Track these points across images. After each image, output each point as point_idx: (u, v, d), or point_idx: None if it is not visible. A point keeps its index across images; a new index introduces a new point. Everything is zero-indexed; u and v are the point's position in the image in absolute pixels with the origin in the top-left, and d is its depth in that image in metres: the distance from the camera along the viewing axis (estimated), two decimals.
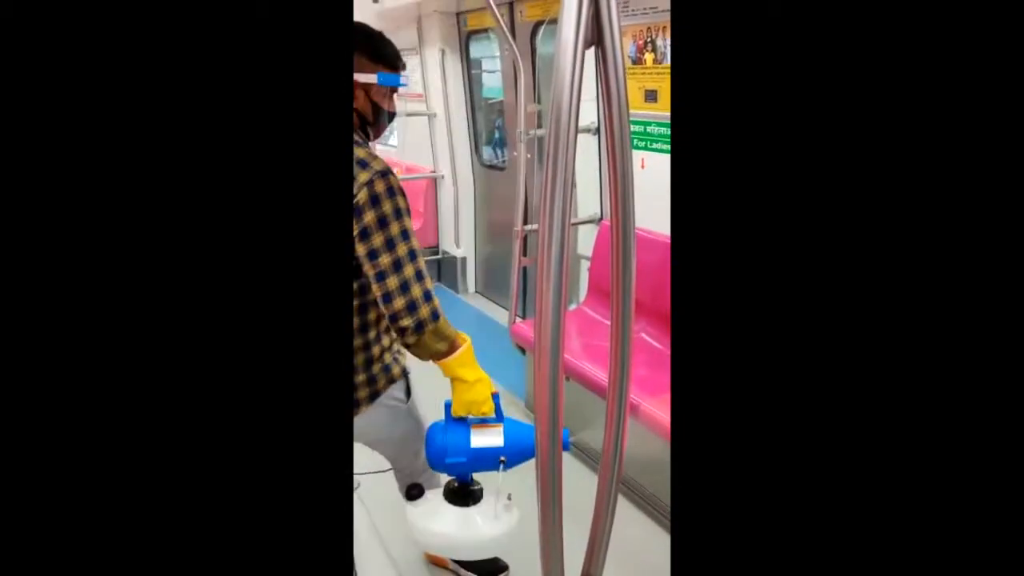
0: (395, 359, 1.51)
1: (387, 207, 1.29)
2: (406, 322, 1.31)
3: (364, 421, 1.46)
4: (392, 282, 1.30)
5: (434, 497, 1.46)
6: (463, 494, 1.45)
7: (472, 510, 1.44)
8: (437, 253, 4.70)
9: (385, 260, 1.29)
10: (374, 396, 1.46)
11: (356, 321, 1.39)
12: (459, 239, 4.58)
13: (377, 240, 1.29)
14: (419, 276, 1.33)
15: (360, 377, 1.42)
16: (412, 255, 1.32)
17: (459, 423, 1.44)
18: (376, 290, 1.31)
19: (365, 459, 1.59)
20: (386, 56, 1.43)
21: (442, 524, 1.42)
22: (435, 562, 1.85)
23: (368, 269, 1.30)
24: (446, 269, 4.68)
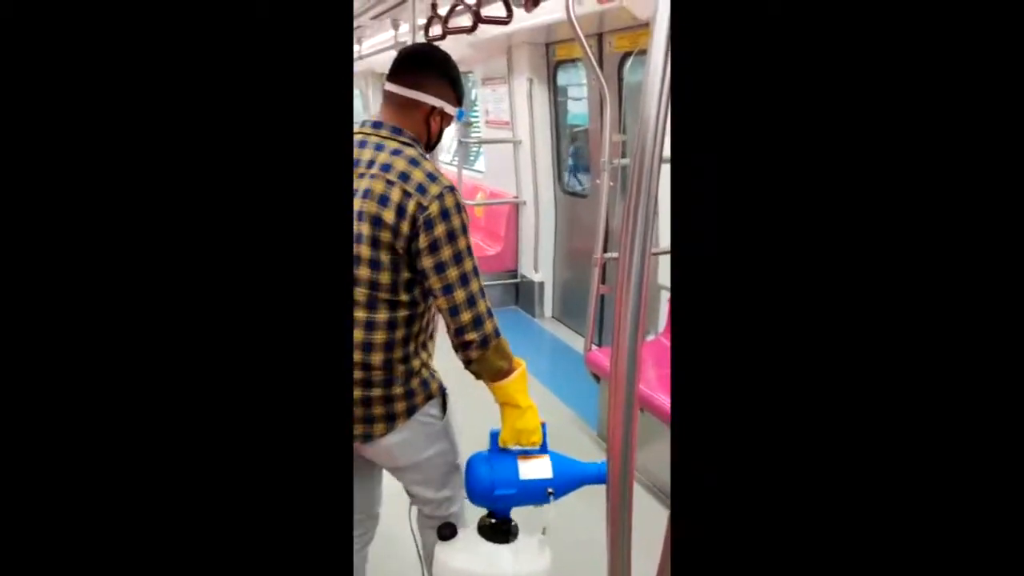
0: (432, 375, 1.47)
1: (456, 221, 1.31)
2: (472, 336, 1.32)
3: (398, 438, 1.41)
4: (460, 295, 1.31)
5: (467, 535, 1.38)
6: (503, 531, 1.36)
7: (509, 547, 1.36)
8: (516, 277, 4.74)
9: (453, 273, 1.31)
10: (412, 411, 1.41)
11: (400, 333, 1.37)
12: (538, 264, 4.61)
13: (446, 253, 1.31)
14: (483, 292, 1.35)
15: (398, 390, 1.39)
16: (476, 271, 1.35)
17: (504, 453, 1.38)
18: (443, 303, 1.32)
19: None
20: (462, 95, 1.51)
21: (479, 564, 1.33)
22: None
23: (435, 282, 1.32)
24: (524, 293, 4.72)
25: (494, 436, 1.39)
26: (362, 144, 1.38)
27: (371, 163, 1.34)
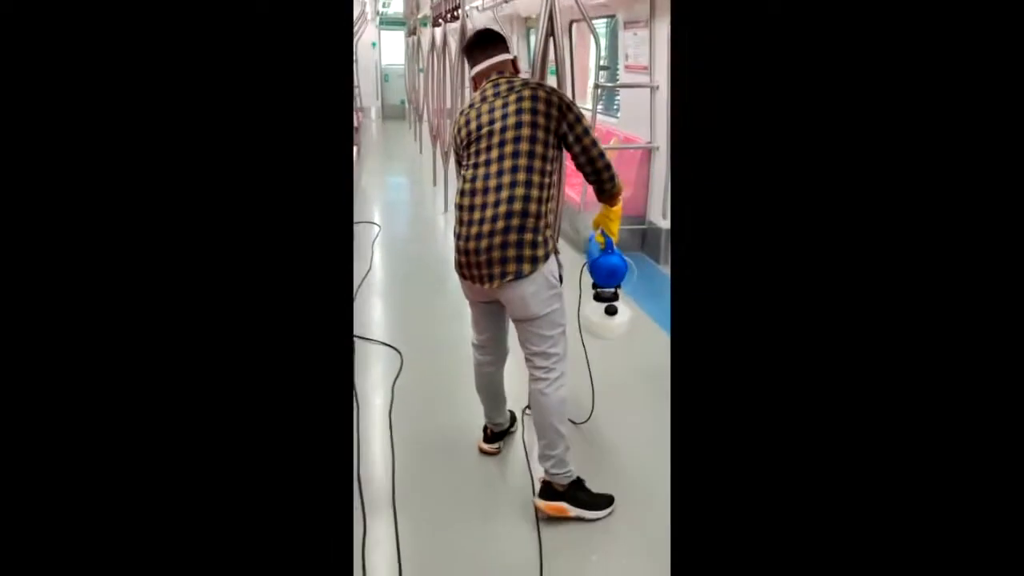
0: (552, 236, 1.96)
1: (576, 108, 1.93)
2: (606, 175, 1.97)
3: (532, 288, 1.87)
4: (595, 151, 1.94)
5: (598, 308, 2.17)
6: (616, 296, 2.17)
7: (622, 305, 2.19)
8: (643, 223, 4.73)
9: (588, 140, 1.92)
10: (546, 257, 1.88)
11: (545, 193, 1.89)
12: (666, 211, 4.65)
13: (579, 128, 1.91)
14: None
15: (540, 238, 1.87)
16: (597, 140, 1.96)
17: (612, 250, 2.13)
18: (583, 158, 1.94)
19: None
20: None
21: (624, 316, 2.17)
22: (555, 512, 1.97)
23: (575, 145, 1.92)
24: (651, 240, 4.70)
25: (609, 241, 2.12)
26: (497, 86, 1.96)
27: (511, 87, 1.93)
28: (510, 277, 1.84)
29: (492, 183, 1.86)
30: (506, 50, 2.05)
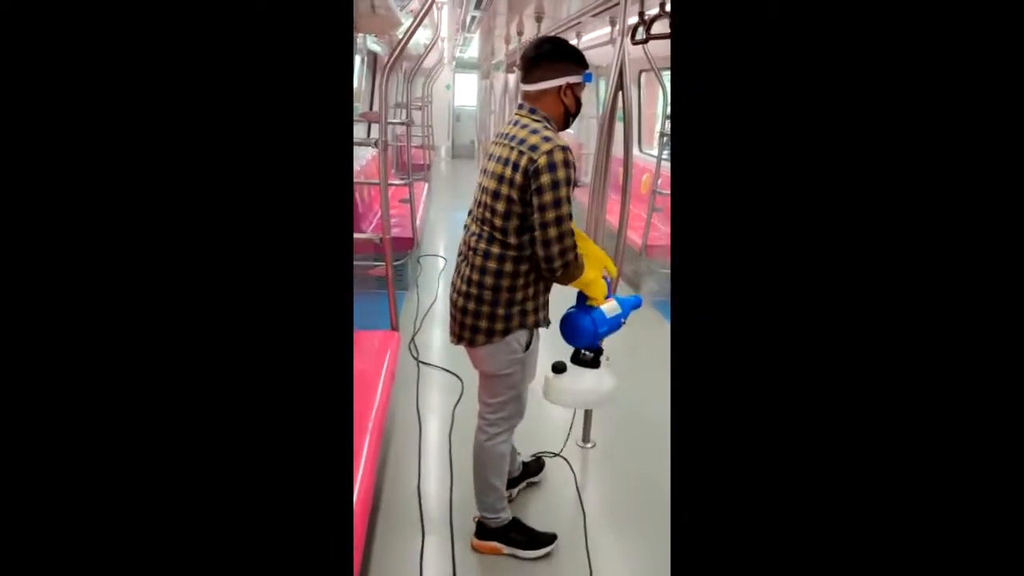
0: (534, 310, 1.83)
1: (560, 173, 1.62)
2: (556, 264, 1.68)
3: (491, 349, 1.82)
4: (552, 232, 1.64)
5: (572, 369, 1.96)
6: (597, 360, 1.96)
7: (602, 371, 1.97)
8: None
9: (550, 215, 1.63)
10: (506, 332, 1.79)
11: (508, 267, 1.73)
12: None
13: (547, 197, 1.62)
14: (571, 234, 1.68)
15: (500, 311, 1.77)
16: (570, 216, 1.67)
17: (587, 308, 1.91)
18: (538, 236, 1.66)
19: None
20: (581, 58, 1.79)
21: (590, 381, 1.95)
22: (489, 551, 2.06)
23: (536, 219, 1.65)
24: None
25: (581, 297, 1.93)
26: (515, 123, 1.74)
27: (512, 137, 1.69)
28: (464, 342, 1.84)
29: (471, 242, 1.79)
30: (563, 72, 1.74)
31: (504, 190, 1.67)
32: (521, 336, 1.82)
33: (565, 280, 1.77)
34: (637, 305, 1.99)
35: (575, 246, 1.71)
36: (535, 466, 2.45)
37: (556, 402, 1.99)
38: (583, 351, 1.96)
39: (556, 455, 2.59)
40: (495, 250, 1.73)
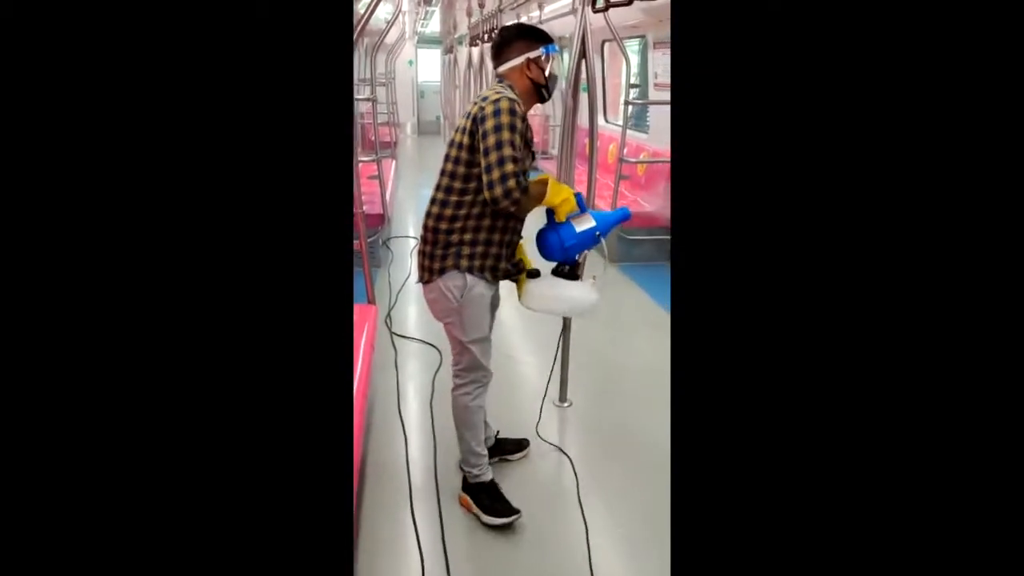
0: (469, 256, 1.90)
1: (504, 118, 1.74)
2: (497, 191, 1.74)
3: (432, 295, 1.96)
4: (492, 157, 1.74)
5: (547, 277, 2.06)
6: (574, 273, 2.07)
7: (578, 284, 2.07)
8: (669, 234, 4.85)
9: (493, 156, 1.74)
10: (442, 271, 1.91)
11: (448, 211, 1.87)
12: None
13: (491, 139, 1.74)
14: (512, 162, 1.75)
15: (438, 252, 1.90)
16: (513, 159, 1.75)
17: (559, 224, 1.97)
18: (482, 169, 1.76)
19: None
20: (540, 35, 1.95)
21: (563, 290, 2.05)
22: (463, 501, 2.17)
23: (480, 157, 1.77)
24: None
25: (550, 213, 1.98)
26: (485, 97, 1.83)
27: (475, 104, 1.83)
28: (416, 278, 2.03)
29: (432, 192, 1.94)
30: (522, 50, 1.91)
31: (457, 137, 1.84)
32: (455, 279, 1.92)
33: (521, 212, 1.91)
34: (623, 218, 2.04)
35: (520, 186, 1.78)
36: (512, 445, 2.47)
37: (528, 306, 2.09)
38: (559, 265, 2.07)
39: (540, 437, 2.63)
40: (439, 195, 1.89)
